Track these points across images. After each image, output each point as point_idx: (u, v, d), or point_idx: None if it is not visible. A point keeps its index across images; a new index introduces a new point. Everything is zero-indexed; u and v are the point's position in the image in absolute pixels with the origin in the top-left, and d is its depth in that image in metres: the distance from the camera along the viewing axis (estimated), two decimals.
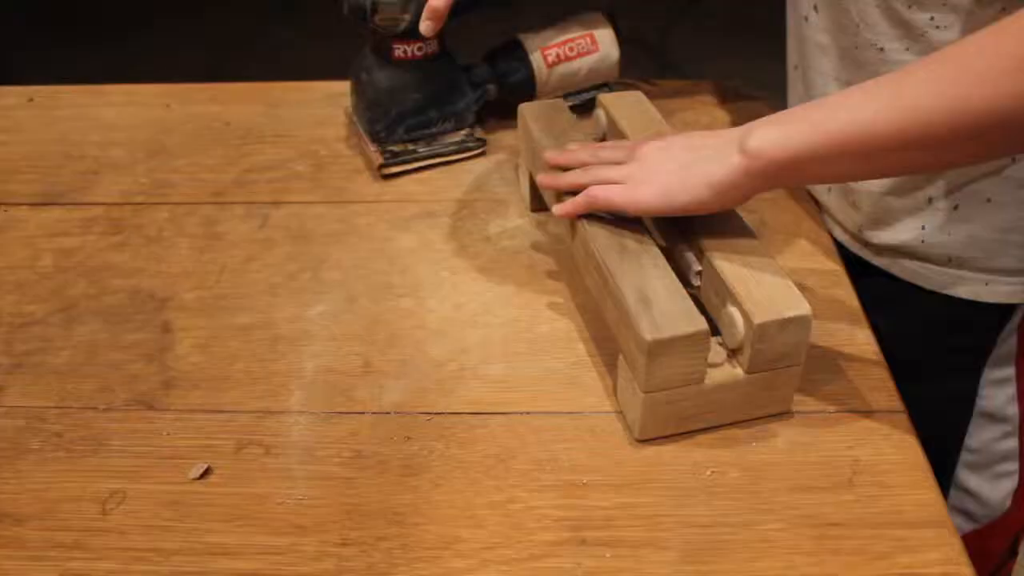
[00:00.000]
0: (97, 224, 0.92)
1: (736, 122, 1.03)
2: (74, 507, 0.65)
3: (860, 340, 0.75)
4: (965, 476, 0.94)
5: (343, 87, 1.09)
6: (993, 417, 0.91)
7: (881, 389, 0.71)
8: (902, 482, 0.64)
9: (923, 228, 0.82)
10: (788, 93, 0.95)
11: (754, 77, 1.19)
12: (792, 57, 0.91)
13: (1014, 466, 0.94)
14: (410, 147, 0.98)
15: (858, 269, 0.86)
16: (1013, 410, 0.91)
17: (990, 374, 0.89)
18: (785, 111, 0.69)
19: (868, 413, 0.69)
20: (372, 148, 0.98)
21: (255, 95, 1.13)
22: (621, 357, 0.68)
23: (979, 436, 0.92)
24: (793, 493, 0.64)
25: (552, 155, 0.80)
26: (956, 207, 0.80)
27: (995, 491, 0.95)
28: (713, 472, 0.66)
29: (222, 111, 1.10)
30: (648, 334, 0.63)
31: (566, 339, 0.77)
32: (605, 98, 0.89)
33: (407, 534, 0.62)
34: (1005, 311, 0.85)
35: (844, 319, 0.77)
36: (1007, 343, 0.87)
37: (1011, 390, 0.90)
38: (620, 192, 0.72)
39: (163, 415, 0.72)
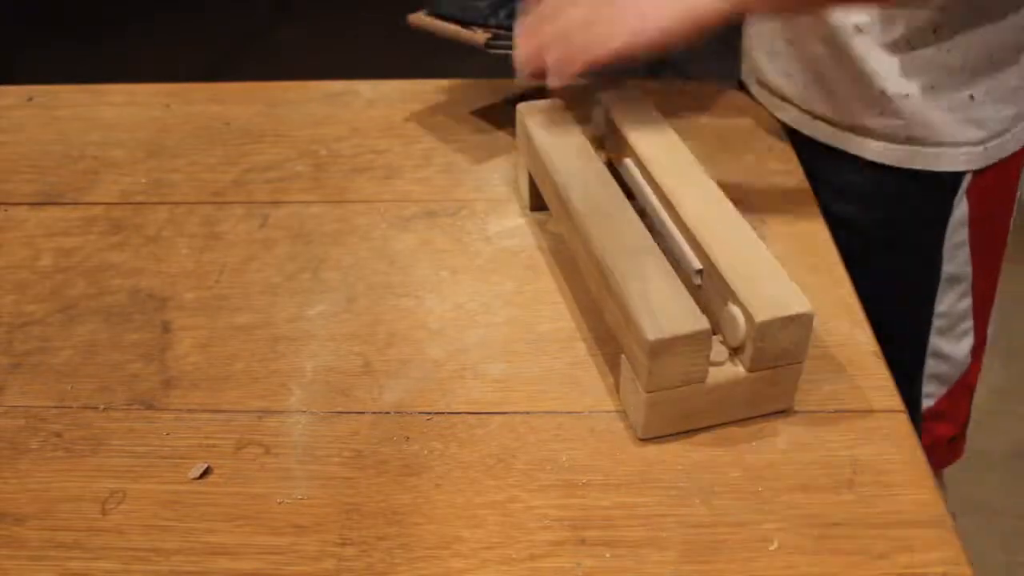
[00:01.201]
0: (97, 224, 0.92)
1: (737, 122, 1.03)
2: (74, 507, 0.65)
3: (860, 339, 0.75)
4: (937, 341, 1.00)
5: (343, 87, 1.09)
6: (953, 279, 0.97)
7: (881, 389, 0.71)
8: (902, 482, 0.64)
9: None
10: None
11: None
12: None
13: (971, 323, 1.01)
14: (505, 32, 0.95)
15: (812, 154, 0.94)
16: (967, 269, 0.97)
17: (948, 239, 0.95)
18: None
19: (868, 413, 0.69)
20: (470, 32, 0.96)
21: (255, 95, 1.13)
22: (624, 357, 0.68)
23: (945, 300, 0.98)
24: (793, 493, 0.64)
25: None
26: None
27: (959, 349, 1.02)
28: (713, 472, 0.65)
29: (222, 111, 1.10)
30: (650, 334, 0.63)
31: (566, 339, 0.77)
32: (607, 96, 0.89)
33: (407, 534, 0.62)
34: (956, 178, 0.92)
35: (844, 318, 0.77)
36: (959, 207, 0.93)
37: (966, 251, 0.96)
38: (580, 45, 0.72)
39: (163, 415, 0.71)
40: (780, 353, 0.66)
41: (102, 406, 0.72)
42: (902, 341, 0.86)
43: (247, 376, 0.74)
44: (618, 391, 0.71)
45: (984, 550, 1.67)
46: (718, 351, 0.67)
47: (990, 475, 1.82)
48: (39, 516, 0.64)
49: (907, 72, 0.87)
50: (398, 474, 0.66)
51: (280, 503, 0.65)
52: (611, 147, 0.89)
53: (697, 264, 0.71)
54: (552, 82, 0.76)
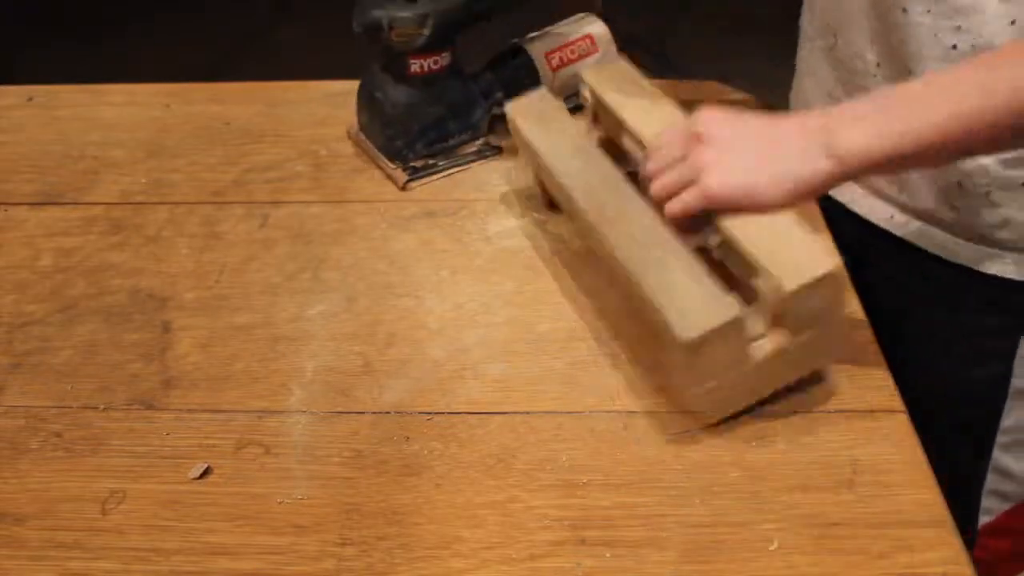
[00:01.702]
0: (97, 224, 0.92)
1: None
2: (74, 507, 0.65)
3: (861, 340, 0.75)
4: (1001, 457, 0.93)
5: (343, 87, 1.09)
6: None
7: (881, 389, 0.71)
8: (902, 482, 0.64)
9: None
10: (802, 79, 0.94)
11: (754, 77, 1.19)
12: (818, 35, 0.90)
13: None
14: (430, 161, 0.97)
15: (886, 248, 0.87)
16: None
17: (1022, 351, 0.87)
18: (867, 102, 0.68)
19: (868, 413, 0.69)
20: (391, 166, 0.97)
21: (255, 95, 1.13)
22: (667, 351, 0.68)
23: (1015, 415, 0.91)
24: (793, 493, 0.64)
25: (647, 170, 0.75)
26: (988, 192, 0.80)
27: None
28: (713, 472, 0.65)
29: (222, 111, 1.10)
30: (682, 333, 0.63)
31: (566, 339, 0.77)
32: (588, 73, 0.88)
33: (407, 534, 0.62)
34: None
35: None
36: None
37: None
38: (694, 193, 0.69)
39: (163, 415, 0.71)
40: (817, 312, 0.65)
41: (102, 406, 0.72)
42: (964, 453, 0.83)
43: (247, 376, 0.74)
44: (667, 382, 0.71)
45: None
46: (754, 323, 0.66)
47: None
48: (39, 516, 0.64)
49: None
50: (398, 474, 0.66)
51: (280, 503, 0.65)
52: (606, 125, 0.88)
53: (715, 238, 0.71)
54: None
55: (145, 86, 1.16)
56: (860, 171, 0.67)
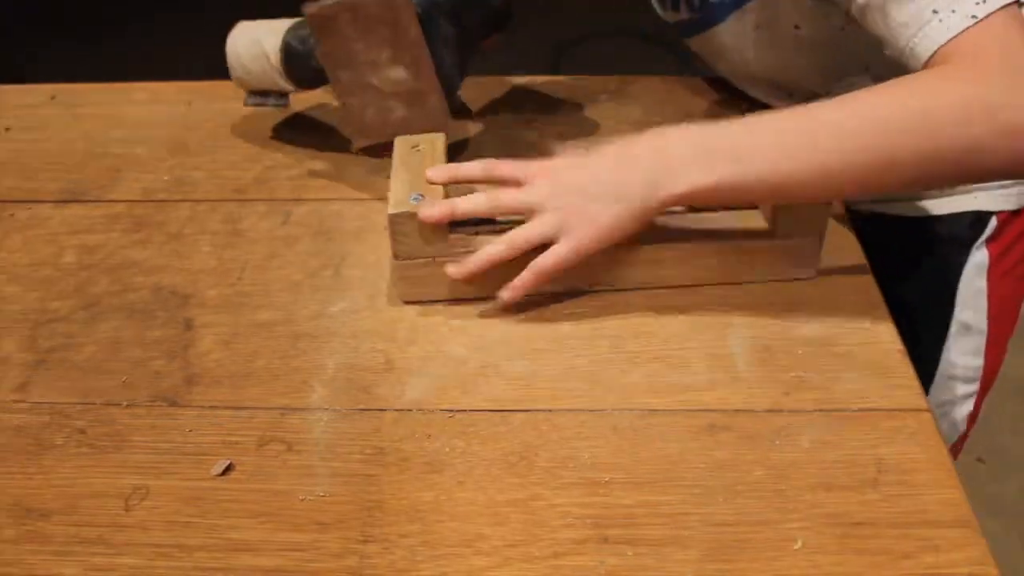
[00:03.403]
0: (120, 221, 0.93)
1: None
2: (98, 503, 0.65)
3: (884, 338, 0.75)
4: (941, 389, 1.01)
5: None
6: (968, 328, 0.98)
7: (906, 387, 0.71)
8: (927, 481, 0.64)
9: None
10: None
11: None
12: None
13: (975, 387, 1.01)
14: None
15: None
16: (983, 326, 0.98)
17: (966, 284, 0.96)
18: (707, 139, 0.73)
19: (892, 411, 0.69)
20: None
21: None
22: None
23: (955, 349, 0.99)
24: (817, 492, 0.63)
25: (437, 172, 0.80)
26: None
27: (959, 411, 1.02)
28: (736, 471, 0.65)
29: (244, 108, 1.10)
30: None
31: (588, 336, 0.76)
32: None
33: (429, 531, 0.62)
34: (976, 223, 0.94)
35: (868, 316, 0.77)
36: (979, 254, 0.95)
37: (983, 302, 0.97)
38: (568, 249, 0.74)
39: (185, 411, 0.72)
40: None
41: (125, 403, 0.73)
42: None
43: (269, 373, 0.75)
44: None
45: (1007, 552, 1.66)
46: None
47: (1013, 476, 1.80)
48: (63, 512, 0.64)
49: None
50: (420, 471, 0.66)
51: (302, 500, 0.65)
52: None
53: None
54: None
55: (167, 84, 1.16)
56: (697, 201, 0.74)
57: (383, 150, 0.90)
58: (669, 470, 0.65)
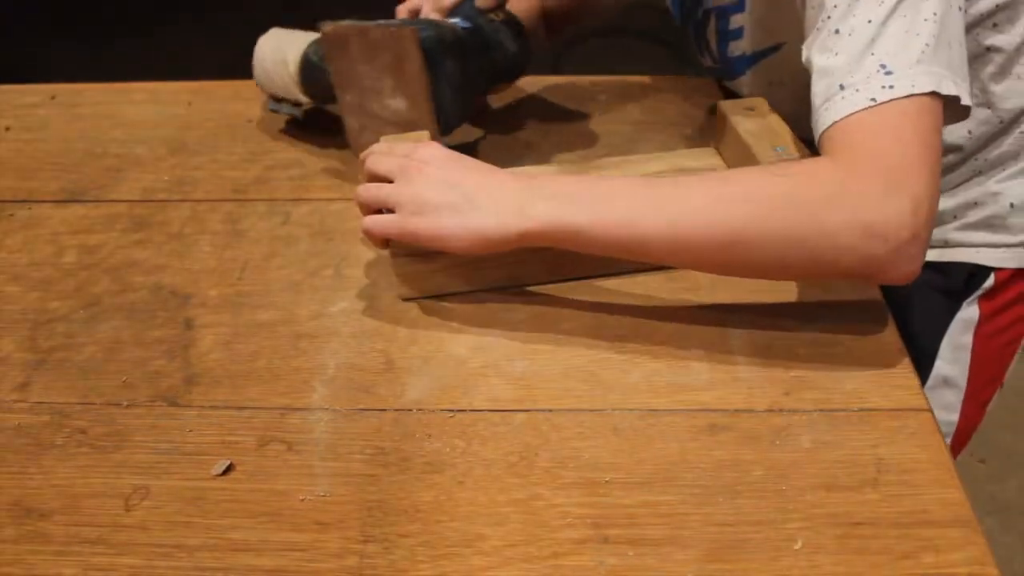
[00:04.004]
0: (120, 221, 0.93)
1: None
2: (98, 503, 0.65)
3: (884, 338, 0.75)
4: None
5: None
6: (946, 382, 0.97)
7: (906, 387, 0.71)
8: (927, 481, 0.64)
9: None
10: None
11: None
12: None
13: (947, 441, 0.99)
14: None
15: None
16: (962, 382, 0.97)
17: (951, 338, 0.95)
18: (574, 181, 0.74)
19: (893, 411, 0.69)
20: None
21: None
22: None
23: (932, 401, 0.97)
24: (817, 492, 0.63)
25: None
26: None
27: None
28: (736, 471, 0.65)
29: (243, 108, 1.10)
30: None
31: (589, 336, 0.76)
32: None
33: (429, 531, 0.62)
34: (972, 277, 0.93)
35: (869, 316, 0.77)
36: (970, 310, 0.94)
37: (966, 358, 0.96)
38: (395, 222, 0.74)
39: (185, 411, 0.72)
40: None
41: (125, 403, 0.73)
42: None
43: (269, 373, 0.75)
44: None
45: (1007, 551, 1.66)
46: None
47: (1013, 476, 1.81)
48: (64, 511, 0.64)
49: None
50: (420, 471, 0.66)
51: (302, 500, 0.65)
52: None
53: None
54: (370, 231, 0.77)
55: (167, 84, 1.16)
56: (549, 240, 0.71)
57: None
58: (669, 470, 0.65)
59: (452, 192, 0.72)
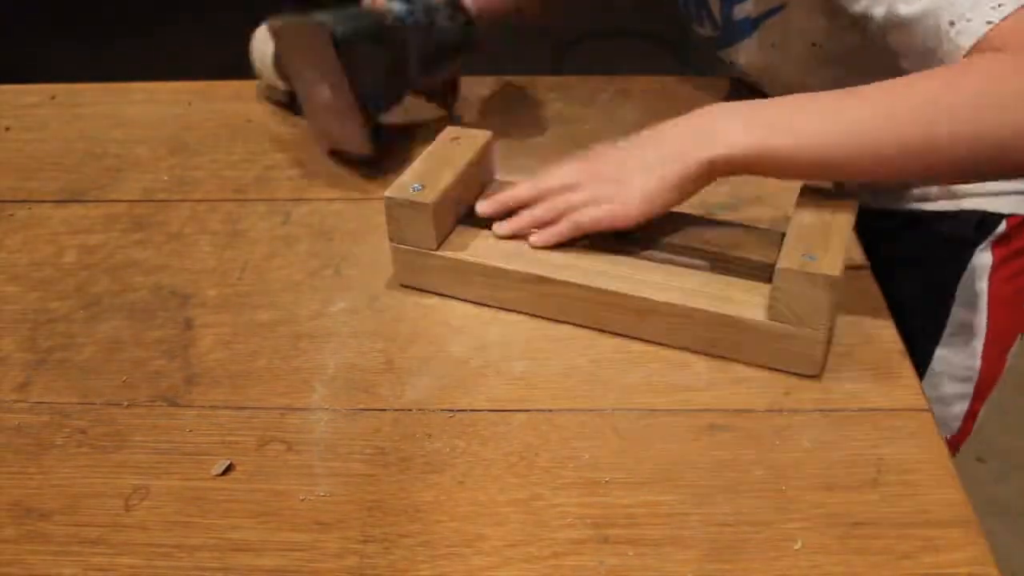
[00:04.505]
0: (120, 221, 0.93)
1: None
2: (98, 503, 0.65)
3: (884, 337, 0.75)
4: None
5: None
6: (966, 328, 0.98)
7: (906, 387, 0.71)
8: (928, 481, 0.64)
9: None
10: None
11: None
12: None
13: (969, 388, 1.01)
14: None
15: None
16: (982, 327, 0.98)
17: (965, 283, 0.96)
18: (751, 107, 0.73)
19: (893, 411, 0.69)
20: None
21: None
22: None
23: (952, 345, 0.99)
24: (817, 492, 0.63)
25: (487, 206, 0.81)
26: None
27: (950, 410, 1.02)
28: (737, 471, 0.65)
29: (243, 108, 1.10)
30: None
31: (589, 336, 0.76)
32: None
33: (429, 531, 0.62)
34: (982, 224, 0.94)
35: (868, 315, 0.77)
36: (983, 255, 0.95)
37: (983, 303, 0.97)
38: (605, 210, 0.75)
39: (185, 411, 0.72)
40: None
41: (125, 403, 0.73)
42: None
43: (269, 373, 0.75)
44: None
45: (1009, 552, 1.66)
46: None
47: (1014, 476, 1.80)
48: (63, 511, 0.64)
49: None
50: (420, 471, 0.66)
51: (302, 500, 0.65)
52: None
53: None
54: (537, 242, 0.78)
55: (167, 84, 1.16)
56: (739, 169, 0.72)
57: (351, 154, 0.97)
58: (669, 470, 0.65)
59: (637, 157, 0.75)
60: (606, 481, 0.65)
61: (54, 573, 0.60)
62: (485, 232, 0.80)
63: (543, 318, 0.78)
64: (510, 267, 0.77)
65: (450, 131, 0.86)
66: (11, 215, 0.94)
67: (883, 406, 0.69)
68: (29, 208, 0.95)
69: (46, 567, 0.61)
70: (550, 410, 0.70)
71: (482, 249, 0.79)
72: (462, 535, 0.62)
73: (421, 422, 0.70)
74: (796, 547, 0.60)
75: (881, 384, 0.71)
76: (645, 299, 0.73)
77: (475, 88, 1.11)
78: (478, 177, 0.84)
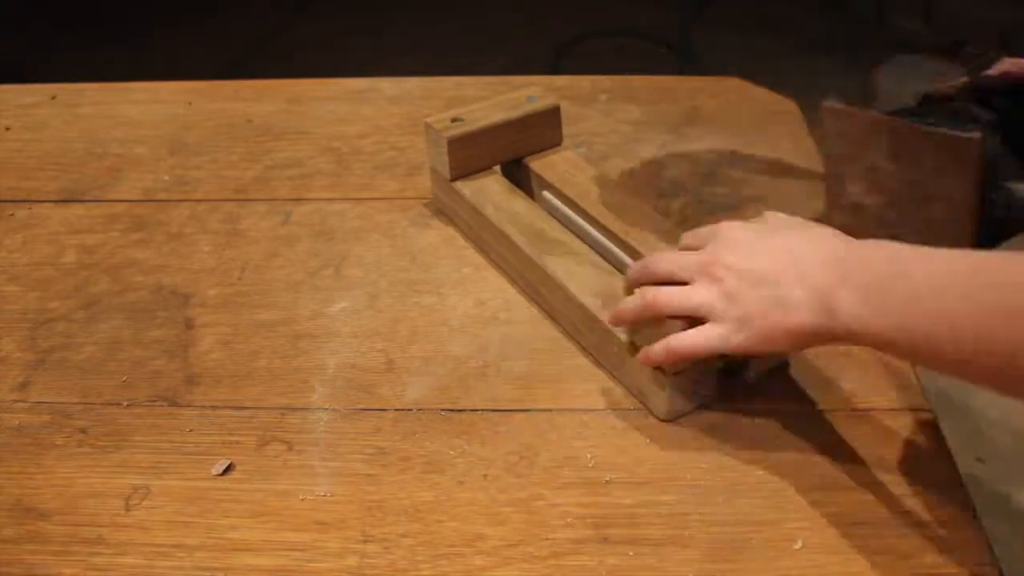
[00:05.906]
0: (120, 221, 0.93)
1: (756, 116, 1.03)
2: (98, 502, 0.65)
3: None
4: None
5: (365, 84, 1.09)
6: None
7: (906, 387, 0.71)
8: (927, 481, 0.64)
9: None
10: None
11: (774, 74, 1.18)
12: None
13: None
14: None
15: None
16: None
17: None
18: (884, 261, 0.58)
19: (893, 411, 0.69)
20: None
21: (276, 92, 1.13)
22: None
23: None
24: (817, 492, 0.63)
25: (632, 274, 0.72)
26: None
27: None
28: (737, 471, 0.65)
29: (243, 108, 1.10)
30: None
31: None
32: (535, 164, 0.88)
33: (429, 531, 0.62)
34: None
35: None
36: None
37: None
38: (712, 335, 0.64)
39: (186, 411, 0.72)
40: None
41: (125, 402, 0.73)
42: None
43: (269, 373, 0.75)
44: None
45: (1009, 552, 1.66)
46: None
47: (1014, 476, 1.80)
48: (63, 511, 0.64)
49: None
50: (421, 471, 0.66)
51: (303, 500, 0.65)
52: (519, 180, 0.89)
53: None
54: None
55: (167, 84, 1.16)
56: (861, 341, 0.59)
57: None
58: (669, 470, 0.65)
59: (758, 284, 0.62)
60: (606, 481, 0.65)
61: (54, 573, 0.60)
62: (507, 187, 0.85)
63: (543, 318, 0.78)
64: (485, 212, 0.82)
65: (530, 92, 0.90)
66: (11, 215, 0.94)
67: (883, 406, 0.69)
68: (29, 208, 0.95)
69: (46, 567, 0.61)
70: (550, 410, 0.70)
71: (486, 194, 0.84)
72: (462, 535, 0.62)
73: (421, 422, 0.70)
74: (796, 547, 0.60)
75: (881, 384, 0.71)
76: (549, 276, 0.76)
77: (475, 88, 1.11)
78: (533, 138, 0.89)
